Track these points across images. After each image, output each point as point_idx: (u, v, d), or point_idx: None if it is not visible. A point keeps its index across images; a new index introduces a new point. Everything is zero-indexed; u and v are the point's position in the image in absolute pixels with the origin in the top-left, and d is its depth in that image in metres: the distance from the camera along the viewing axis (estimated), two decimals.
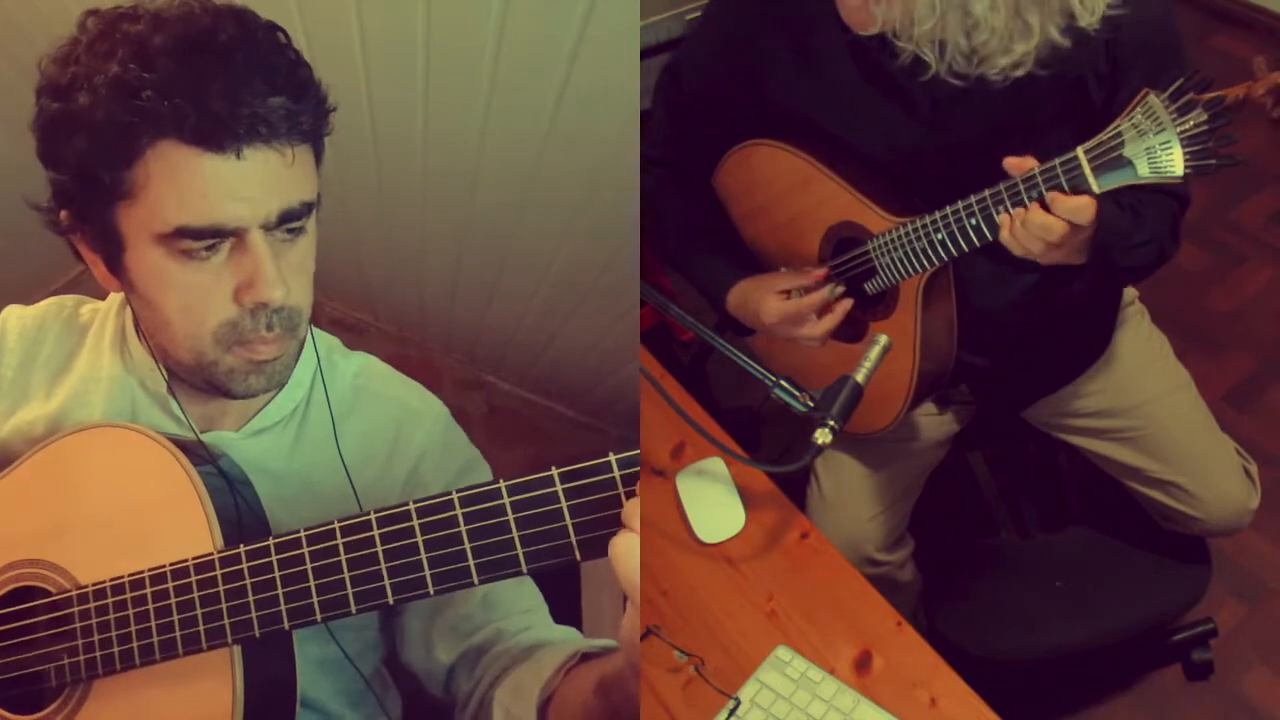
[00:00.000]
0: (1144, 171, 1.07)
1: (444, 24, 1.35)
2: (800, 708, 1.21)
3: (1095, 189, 1.11)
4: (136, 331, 1.12)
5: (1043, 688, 1.92)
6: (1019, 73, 1.14)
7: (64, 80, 0.96)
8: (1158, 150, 1.06)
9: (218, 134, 0.93)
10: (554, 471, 0.84)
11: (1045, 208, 1.14)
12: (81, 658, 0.98)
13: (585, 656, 1.02)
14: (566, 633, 1.14)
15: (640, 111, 1.40)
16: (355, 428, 1.14)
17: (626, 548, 0.79)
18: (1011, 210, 1.16)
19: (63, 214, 1.02)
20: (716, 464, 1.46)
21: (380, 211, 1.92)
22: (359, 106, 1.54)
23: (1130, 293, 1.62)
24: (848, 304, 1.38)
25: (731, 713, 1.22)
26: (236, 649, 0.94)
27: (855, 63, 1.30)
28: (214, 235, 0.96)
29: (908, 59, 1.16)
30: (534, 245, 1.88)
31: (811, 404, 1.22)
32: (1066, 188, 1.12)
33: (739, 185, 1.50)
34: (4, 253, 1.99)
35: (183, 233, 0.95)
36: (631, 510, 0.80)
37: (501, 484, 0.84)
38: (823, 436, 1.20)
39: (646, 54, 2.37)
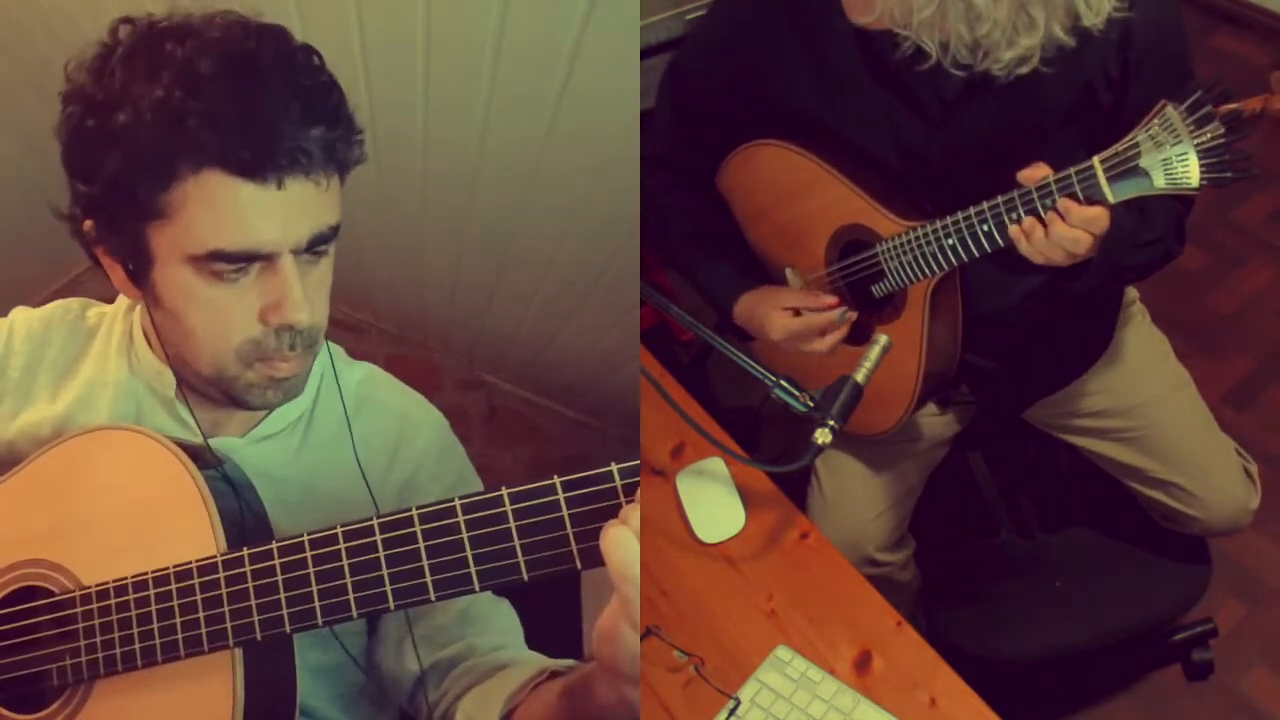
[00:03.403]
0: (1160, 183, 1.07)
1: (444, 24, 1.35)
2: (800, 708, 1.21)
3: (1110, 198, 1.10)
4: (146, 337, 1.12)
5: (1043, 688, 1.92)
6: (1024, 69, 1.13)
7: (99, 94, 0.95)
8: (1174, 162, 1.06)
9: (261, 165, 0.93)
10: (556, 480, 0.84)
11: (1059, 215, 1.13)
12: (84, 658, 0.98)
13: (554, 674, 1.02)
14: (538, 657, 1.14)
15: (640, 111, 1.40)
16: (357, 435, 1.14)
17: (619, 539, 0.78)
18: (1025, 218, 1.15)
19: (88, 224, 1.01)
20: (716, 464, 1.46)
21: (380, 211, 1.93)
22: (359, 106, 1.54)
23: (1131, 293, 1.62)
24: (853, 317, 1.38)
25: (731, 713, 1.22)
26: (238, 651, 0.94)
27: (864, 60, 1.29)
28: (247, 259, 0.96)
29: (909, 49, 1.15)
30: (534, 245, 1.89)
31: (811, 404, 1.22)
32: (1081, 197, 1.11)
33: (743, 186, 1.49)
34: (3, 253, 1.99)
35: (216, 256, 0.95)
36: (630, 511, 0.80)
37: (504, 491, 0.84)
38: (823, 436, 1.20)
39: (646, 54, 2.37)
